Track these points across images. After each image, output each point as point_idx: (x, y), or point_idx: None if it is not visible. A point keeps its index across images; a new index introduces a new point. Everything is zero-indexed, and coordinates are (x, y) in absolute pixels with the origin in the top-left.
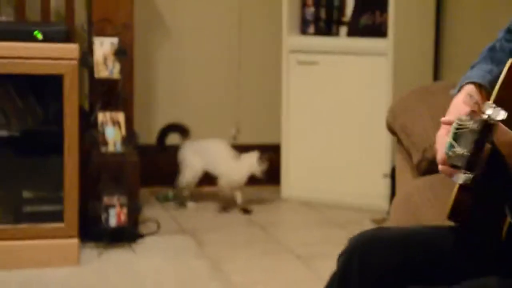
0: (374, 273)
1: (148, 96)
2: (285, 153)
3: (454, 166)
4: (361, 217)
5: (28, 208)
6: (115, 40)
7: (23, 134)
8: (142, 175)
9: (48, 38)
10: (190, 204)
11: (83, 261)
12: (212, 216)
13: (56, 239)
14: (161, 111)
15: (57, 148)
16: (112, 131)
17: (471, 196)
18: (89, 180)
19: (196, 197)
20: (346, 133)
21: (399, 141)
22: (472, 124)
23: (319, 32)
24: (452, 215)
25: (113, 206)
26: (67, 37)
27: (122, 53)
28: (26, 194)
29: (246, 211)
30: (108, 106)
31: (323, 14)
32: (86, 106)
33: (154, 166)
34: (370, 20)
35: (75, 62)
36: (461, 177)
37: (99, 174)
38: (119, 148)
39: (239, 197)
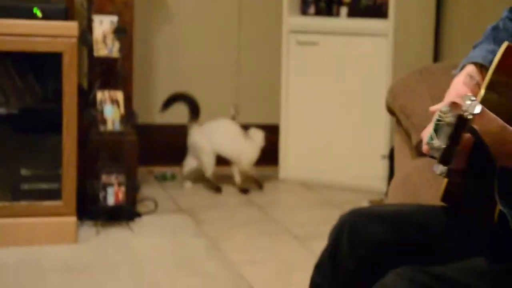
0: (363, 247)
1: (147, 75)
2: (284, 134)
3: (432, 157)
4: (359, 198)
5: (26, 186)
6: (114, 18)
7: (22, 112)
8: (141, 154)
9: (47, 16)
10: (187, 184)
11: (80, 239)
12: (210, 196)
13: (54, 217)
14: (160, 90)
15: (56, 126)
16: (110, 109)
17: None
18: (87, 159)
19: (197, 178)
20: (345, 114)
21: (398, 121)
22: (449, 118)
23: (319, 12)
24: (445, 198)
25: (111, 184)
26: (66, 15)
27: (122, 32)
28: (24, 172)
29: (244, 190)
30: (107, 84)
31: None
32: (85, 84)
33: (153, 145)
34: (370, 0)
35: (74, 40)
36: (439, 168)
37: (97, 152)
38: (117, 126)
39: (238, 176)
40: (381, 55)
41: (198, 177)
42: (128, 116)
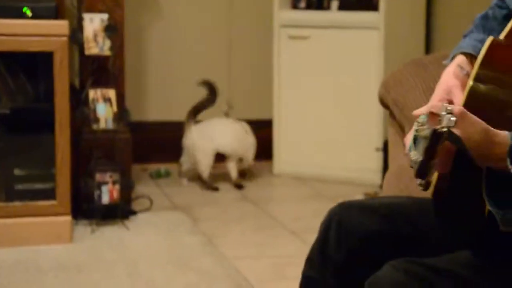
0: (351, 238)
1: (139, 73)
2: (277, 128)
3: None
4: (353, 191)
5: (20, 186)
6: (105, 16)
7: (14, 112)
8: (134, 151)
9: (37, 15)
10: (184, 181)
11: (76, 238)
12: (205, 192)
13: (49, 217)
14: (152, 87)
15: (49, 126)
16: (103, 108)
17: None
18: (81, 158)
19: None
20: (338, 107)
21: (391, 114)
22: (425, 131)
23: (310, 6)
24: (436, 194)
25: (105, 183)
26: (56, 14)
27: (112, 30)
28: (18, 172)
29: (239, 186)
30: (99, 83)
31: None
32: (77, 83)
33: (146, 142)
34: None
35: (65, 39)
36: (418, 180)
37: (91, 151)
38: (110, 125)
39: (234, 172)
40: (372, 47)
41: (194, 175)
42: (121, 114)
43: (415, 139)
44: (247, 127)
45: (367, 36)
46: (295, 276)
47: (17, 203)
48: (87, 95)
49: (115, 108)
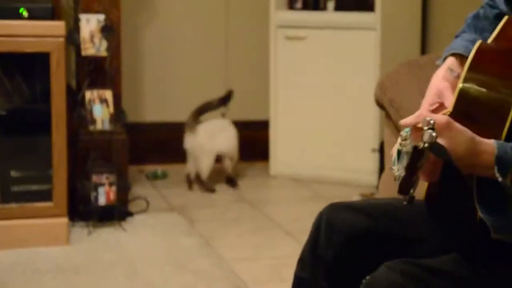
0: (339, 234)
1: (135, 73)
2: (274, 129)
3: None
4: (350, 192)
5: (16, 188)
6: (101, 17)
7: (10, 113)
8: (131, 152)
9: (34, 16)
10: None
11: (72, 240)
12: (201, 194)
13: (45, 219)
14: (149, 88)
15: (45, 127)
16: (99, 109)
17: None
18: (77, 159)
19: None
20: (334, 108)
21: (387, 115)
22: (407, 146)
23: (306, 6)
24: (427, 198)
25: (102, 184)
26: (53, 15)
27: (109, 30)
28: (14, 173)
29: (234, 182)
30: (96, 84)
31: None
32: (73, 84)
33: (143, 143)
34: None
35: (61, 40)
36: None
37: (87, 152)
38: (107, 126)
39: (229, 169)
40: (369, 48)
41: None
42: (117, 115)
43: (399, 153)
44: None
45: (363, 36)
46: (292, 278)
47: (13, 205)
48: (83, 96)
49: (111, 109)
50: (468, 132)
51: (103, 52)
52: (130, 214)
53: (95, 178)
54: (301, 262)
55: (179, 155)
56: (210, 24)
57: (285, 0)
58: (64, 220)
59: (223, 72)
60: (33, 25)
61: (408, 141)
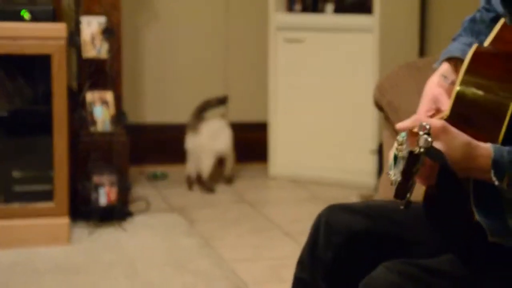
0: (338, 235)
1: (136, 75)
2: (273, 131)
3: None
4: (348, 194)
5: (18, 188)
6: (102, 19)
7: (12, 114)
8: (131, 153)
9: (35, 18)
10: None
11: (73, 240)
12: (201, 194)
13: (47, 218)
14: (149, 89)
15: (47, 128)
16: (100, 110)
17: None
18: (78, 160)
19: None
20: (333, 110)
21: (386, 117)
22: (403, 152)
23: (306, 9)
24: (425, 201)
25: (102, 185)
26: (54, 17)
27: (110, 33)
28: (16, 174)
29: (231, 180)
30: (96, 85)
31: None
32: (74, 86)
33: (143, 144)
34: None
35: (63, 42)
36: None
37: (88, 153)
38: (107, 127)
39: (229, 169)
40: (367, 50)
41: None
42: (118, 116)
43: (395, 158)
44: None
45: (362, 39)
46: (291, 279)
47: (15, 205)
48: (84, 98)
49: (112, 110)
50: (464, 136)
51: (104, 54)
52: (131, 214)
53: (96, 178)
54: (301, 263)
55: (179, 156)
56: (210, 26)
57: (284, 2)
58: (65, 220)
59: (223, 73)
60: (34, 28)
61: (404, 146)
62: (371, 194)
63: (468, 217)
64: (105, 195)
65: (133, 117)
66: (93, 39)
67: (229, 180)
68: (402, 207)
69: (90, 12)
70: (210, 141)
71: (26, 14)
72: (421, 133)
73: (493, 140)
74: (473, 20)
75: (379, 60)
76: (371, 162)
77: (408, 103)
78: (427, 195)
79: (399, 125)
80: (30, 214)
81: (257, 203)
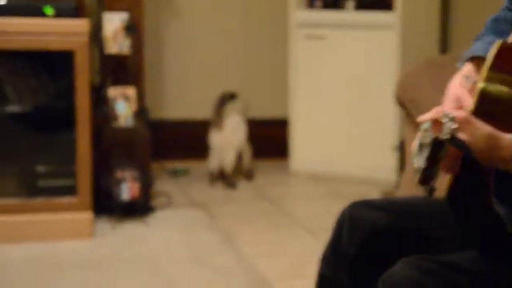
0: (361, 232)
1: (158, 71)
2: (294, 127)
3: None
4: (369, 190)
5: (41, 183)
6: (124, 15)
7: (36, 110)
8: (153, 149)
9: (58, 14)
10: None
11: (96, 234)
12: (222, 190)
13: (70, 213)
14: (171, 85)
15: (69, 123)
16: (122, 106)
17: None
18: (101, 155)
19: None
20: (354, 106)
21: (408, 114)
22: (428, 138)
23: (326, 5)
24: (449, 195)
25: (125, 180)
26: (77, 13)
27: (132, 29)
28: (39, 169)
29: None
30: (119, 81)
31: None
32: (97, 81)
33: (165, 140)
34: None
35: (85, 38)
36: (422, 188)
37: (110, 148)
38: (130, 122)
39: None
40: (388, 47)
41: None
42: (140, 112)
43: (418, 146)
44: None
45: (382, 35)
46: (312, 274)
47: (39, 200)
48: (107, 93)
49: (134, 106)
50: (487, 127)
51: (126, 50)
52: (152, 209)
53: (118, 173)
54: (324, 259)
55: (200, 152)
56: (231, 22)
57: None
58: (88, 214)
59: (243, 69)
60: (57, 24)
61: (429, 133)
62: (392, 190)
63: (490, 211)
64: (128, 190)
65: (154, 113)
66: (115, 35)
67: (249, 175)
68: (425, 194)
69: (112, 8)
70: (233, 136)
71: (49, 10)
72: (445, 120)
73: None
74: (496, 20)
75: (400, 57)
76: (392, 159)
77: (429, 100)
78: (450, 191)
79: (421, 118)
80: (54, 208)
81: (278, 199)
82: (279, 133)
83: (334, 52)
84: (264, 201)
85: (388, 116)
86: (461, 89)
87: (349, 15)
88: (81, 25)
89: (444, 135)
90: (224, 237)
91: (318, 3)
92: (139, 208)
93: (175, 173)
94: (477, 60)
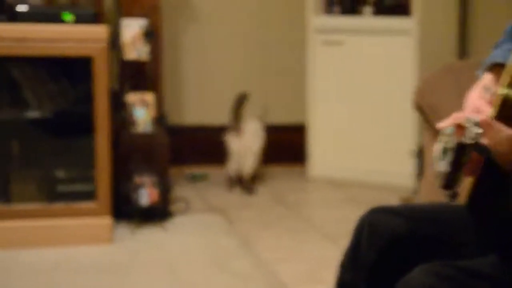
0: (381, 239)
1: (176, 77)
2: (312, 133)
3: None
4: (387, 196)
5: (61, 188)
6: (143, 21)
7: (56, 115)
8: (171, 154)
9: (77, 20)
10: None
11: (115, 239)
12: (240, 195)
13: (89, 218)
14: (189, 91)
15: (89, 129)
16: (141, 111)
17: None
18: (119, 160)
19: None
20: (372, 112)
21: (426, 119)
22: (451, 143)
23: (344, 11)
24: (469, 198)
25: (144, 185)
26: (96, 19)
27: (150, 35)
28: (59, 174)
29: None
30: (137, 87)
31: None
32: (116, 87)
33: (183, 145)
34: None
35: (104, 44)
36: (445, 192)
37: (129, 154)
38: (148, 128)
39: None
40: (406, 53)
41: (227, 178)
42: (159, 117)
43: (442, 151)
44: None
45: (401, 41)
46: (329, 280)
47: (58, 205)
48: (125, 99)
49: (152, 112)
50: (509, 130)
51: (144, 56)
52: (171, 214)
53: (137, 179)
54: (343, 265)
55: (218, 157)
56: (249, 28)
57: (323, 5)
58: (107, 220)
59: (261, 75)
60: (76, 30)
61: (452, 138)
62: (411, 196)
63: (509, 214)
64: (146, 196)
65: (173, 118)
66: (134, 41)
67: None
68: (448, 198)
69: (131, 14)
70: (252, 141)
71: (68, 17)
72: (469, 125)
73: None
74: None
75: (418, 62)
76: (410, 164)
77: (448, 105)
78: (470, 196)
79: (440, 124)
80: (73, 213)
81: (296, 204)
82: (297, 139)
83: (352, 58)
84: (282, 206)
85: (406, 122)
86: (479, 100)
87: (367, 20)
88: (100, 31)
89: (469, 139)
90: (242, 242)
91: (336, 9)
92: (157, 213)
93: (193, 179)
94: (497, 69)
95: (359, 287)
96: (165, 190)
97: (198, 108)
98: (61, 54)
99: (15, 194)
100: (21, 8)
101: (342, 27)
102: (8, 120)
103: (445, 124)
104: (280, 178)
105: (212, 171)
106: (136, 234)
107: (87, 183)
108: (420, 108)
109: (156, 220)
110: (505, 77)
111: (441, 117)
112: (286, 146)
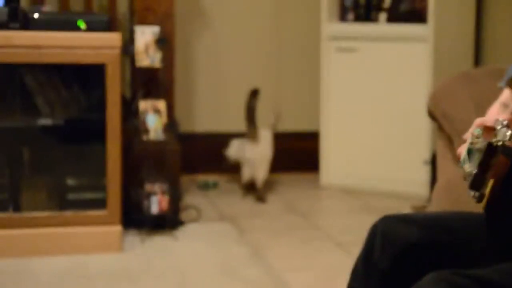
0: (394, 246)
1: (188, 84)
2: (325, 140)
3: (465, 180)
4: (401, 204)
5: (72, 196)
6: (156, 29)
7: (67, 122)
8: (183, 162)
9: (91, 28)
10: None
11: (125, 247)
12: (252, 203)
13: (100, 226)
14: (201, 99)
15: (100, 136)
16: (153, 119)
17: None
18: (131, 168)
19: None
20: (385, 119)
21: (440, 127)
22: (480, 144)
23: (358, 18)
24: (488, 205)
25: (154, 193)
26: (109, 27)
27: (163, 42)
28: (70, 181)
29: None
30: (149, 94)
31: (362, 0)
32: (128, 94)
33: (195, 153)
34: (409, 5)
35: (117, 51)
36: (471, 192)
37: (140, 161)
38: (160, 136)
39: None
40: (421, 60)
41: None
42: (170, 125)
43: (470, 152)
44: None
45: (415, 48)
46: None
47: (69, 213)
48: (137, 106)
49: (164, 119)
50: None
51: (157, 64)
52: (182, 223)
53: (148, 187)
54: (354, 272)
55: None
56: (262, 35)
57: (337, 11)
58: (118, 227)
59: (275, 82)
60: (89, 37)
61: (480, 139)
62: (424, 204)
63: None
64: (157, 204)
65: (184, 126)
66: (147, 48)
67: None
68: (475, 200)
69: (144, 21)
70: (266, 149)
71: (82, 24)
72: (499, 126)
73: None
74: None
75: (432, 70)
76: (424, 173)
77: (463, 113)
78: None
79: (466, 135)
80: (83, 221)
81: (308, 213)
82: (310, 146)
83: (366, 65)
84: (294, 214)
85: (420, 130)
86: (499, 115)
87: (381, 27)
88: (113, 38)
89: (499, 141)
90: (254, 251)
91: (350, 16)
92: (168, 222)
93: (204, 186)
94: None
95: None
96: (176, 198)
97: (210, 115)
98: (75, 61)
99: (25, 202)
100: (35, 15)
101: (356, 34)
102: (20, 128)
103: (466, 136)
104: (292, 186)
105: (223, 179)
106: (146, 242)
107: (98, 191)
108: (434, 116)
109: (167, 228)
110: None
111: (454, 125)
112: (299, 153)
